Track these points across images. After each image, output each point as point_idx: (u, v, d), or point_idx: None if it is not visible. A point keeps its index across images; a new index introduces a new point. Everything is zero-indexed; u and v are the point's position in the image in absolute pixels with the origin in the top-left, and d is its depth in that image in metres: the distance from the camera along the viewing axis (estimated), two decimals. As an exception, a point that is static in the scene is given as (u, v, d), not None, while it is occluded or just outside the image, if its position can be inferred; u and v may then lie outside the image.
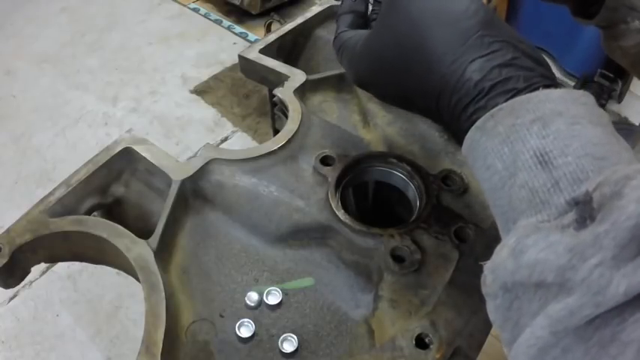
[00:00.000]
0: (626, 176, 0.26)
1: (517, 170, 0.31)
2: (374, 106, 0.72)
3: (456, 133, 0.38)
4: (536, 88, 0.33)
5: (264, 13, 2.36)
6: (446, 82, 0.36)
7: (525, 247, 0.28)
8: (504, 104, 0.33)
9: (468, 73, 0.35)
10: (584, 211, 0.27)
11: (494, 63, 0.34)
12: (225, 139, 1.90)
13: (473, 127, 0.34)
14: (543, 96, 0.32)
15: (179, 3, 2.64)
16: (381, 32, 0.41)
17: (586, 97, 0.33)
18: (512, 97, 0.33)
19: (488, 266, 0.32)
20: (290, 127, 0.66)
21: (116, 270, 0.61)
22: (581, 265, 0.26)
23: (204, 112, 2.01)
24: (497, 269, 0.30)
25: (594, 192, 0.27)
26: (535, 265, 0.28)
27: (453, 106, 0.36)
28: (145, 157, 0.62)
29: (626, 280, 0.24)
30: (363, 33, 0.46)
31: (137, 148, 0.63)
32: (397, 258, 0.54)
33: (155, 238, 0.55)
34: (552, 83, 0.34)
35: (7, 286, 0.56)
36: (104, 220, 0.58)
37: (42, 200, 0.59)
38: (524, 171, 0.30)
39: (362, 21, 0.51)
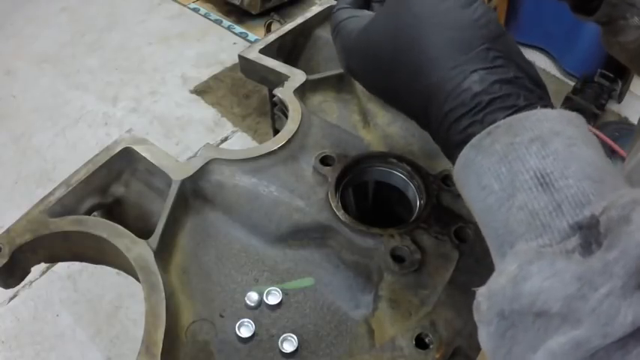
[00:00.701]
0: (634, 200, 0.26)
1: (516, 191, 0.30)
2: (374, 106, 0.72)
3: (444, 144, 0.36)
4: (534, 108, 0.33)
5: (264, 13, 2.35)
6: (441, 86, 0.35)
7: (529, 274, 0.27)
8: (502, 121, 0.32)
9: (467, 83, 0.34)
10: (589, 235, 0.26)
11: (495, 77, 0.34)
12: (225, 139, 1.90)
13: (468, 145, 0.33)
14: (541, 115, 0.31)
15: (179, 3, 2.64)
16: (383, 23, 0.40)
17: (578, 119, 0.32)
18: (511, 113, 0.32)
19: (482, 292, 0.30)
20: (290, 127, 0.66)
21: (116, 270, 0.61)
22: (591, 295, 0.25)
23: (204, 112, 2.00)
24: (495, 296, 0.29)
25: (601, 216, 0.26)
26: (539, 294, 0.26)
27: (445, 114, 0.35)
28: (145, 157, 0.62)
29: (633, 310, 0.24)
30: (363, 17, 0.45)
31: (137, 148, 0.63)
32: (397, 258, 0.54)
33: (155, 238, 0.55)
34: (548, 104, 0.34)
35: (7, 286, 0.56)
36: (104, 220, 0.58)
37: (42, 200, 0.59)
38: (523, 192, 0.29)
39: (363, 0, 0.49)
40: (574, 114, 0.32)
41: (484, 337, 0.30)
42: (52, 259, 0.60)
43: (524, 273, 0.27)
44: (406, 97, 0.39)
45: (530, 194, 0.29)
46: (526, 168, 0.30)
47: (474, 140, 0.32)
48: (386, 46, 0.39)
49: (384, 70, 0.40)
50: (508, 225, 0.30)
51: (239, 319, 0.52)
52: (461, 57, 0.35)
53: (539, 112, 0.32)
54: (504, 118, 0.32)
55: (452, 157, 0.36)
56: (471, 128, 0.33)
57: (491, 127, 0.32)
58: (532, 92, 0.34)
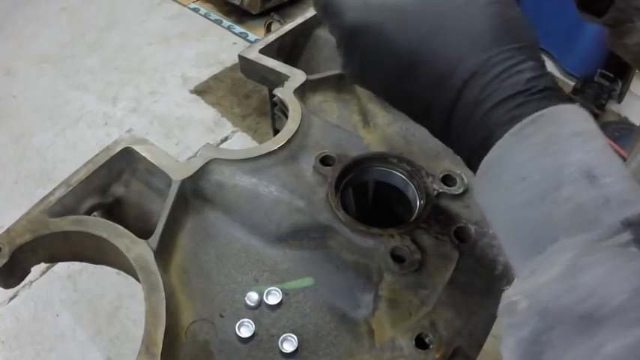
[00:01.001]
0: None
1: (561, 183, 0.29)
2: (374, 106, 0.72)
3: (468, 135, 0.34)
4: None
5: (264, 13, 2.35)
6: (490, 66, 0.33)
7: (586, 265, 0.26)
8: (545, 110, 0.31)
9: (521, 67, 0.33)
10: None
11: (546, 71, 0.33)
12: (225, 139, 1.90)
13: (507, 135, 0.31)
14: (579, 112, 0.31)
15: (179, 3, 2.64)
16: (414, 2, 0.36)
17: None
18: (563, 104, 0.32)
19: (519, 291, 0.28)
20: (290, 127, 0.66)
21: (116, 270, 0.61)
22: None
23: (204, 112, 2.00)
24: (540, 292, 0.27)
25: None
26: (598, 287, 0.25)
27: (488, 95, 0.33)
28: (145, 157, 0.62)
29: None
30: None
31: (137, 148, 0.63)
32: (397, 258, 0.54)
33: (155, 238, 0.55)
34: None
35: (7, 286, 0.56)
36: (104, 220, 0.58)
37: (42, 200, 0.59)
38: (569, 185, 0.28)
39: None
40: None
41: (511, 343, 0.28)
42: (52, 259, 0.60)
43: (581, 265, 0.26)
44: (423, 88, 0.36)
45: (577, 187, 0.28)
46: (571, 161, 0.29)
47: (514, 129, 0.31)
48: (413, 28, 0.35)
49: (401, 56, 0.36)
50: (551, 218, 0.29)
51: (239, 319, 0.52)
52: (511, 45, 0.34)
53: (578, 110, 0.31)
54: (556, 105, 0.31)
55: (474, 151, 0.34)
56: (518, 110, 0.32)
57: (535, 115, 0.31)
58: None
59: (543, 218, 0.29)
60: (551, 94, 0.32)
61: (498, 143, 0.32)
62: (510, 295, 0.29)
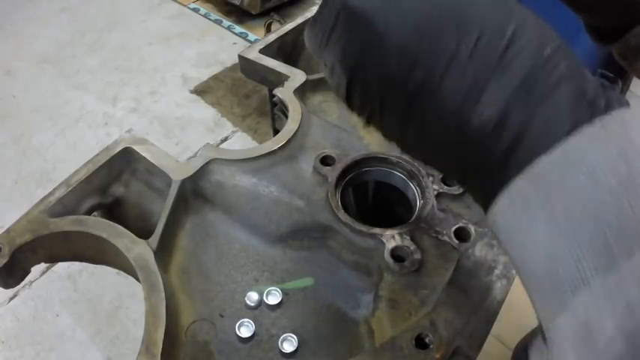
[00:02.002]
0: None
1: (637, 188, 0.27)
2: (374, 106, 0.72)
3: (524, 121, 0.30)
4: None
5: (264, 13, 2.35)
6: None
7: None
8: (614, 112, 0.29)
9: (590, 76, 0.32)
10: None
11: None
12: (225, 139, 1.89)
13: (578, 135, 0.28)
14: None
15: (179, 3, 2.64)
16: None
17: None
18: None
19: (604, 307, 0.25)
20: (290, 127, 0.66)
21: (116, 270, 0.61)
22: None
23: (204, 112, 2.00)
24: None
25: None
26: None
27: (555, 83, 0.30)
28: (145, 157, 0.62)
29: None
30: None
31: (137, 148, 0.63)
32: (397, 258, 0.54)
33: (155, 238, 0.55)
34: None
35: (7, 286, 0.56)
36: (104, 220, 0.58)
37: (42, 200, 0.59)
38: None
39: None
40: None
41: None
42: (52, 259, 0.60)
43: None
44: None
45: None
46: None
47: (590, 131, 0.28)
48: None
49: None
50: (626, 230, 0.26)
51: (239, 319, 0.52)
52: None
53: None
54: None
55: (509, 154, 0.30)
56: (595, 106, 0.30)
57: (605, 116, 0.29)
58: None
59: (617, 229, 0.27)
60: (618, 97, 0.31)
61: (567, 146, 0.28)
62: (581, 315, 0.26)
